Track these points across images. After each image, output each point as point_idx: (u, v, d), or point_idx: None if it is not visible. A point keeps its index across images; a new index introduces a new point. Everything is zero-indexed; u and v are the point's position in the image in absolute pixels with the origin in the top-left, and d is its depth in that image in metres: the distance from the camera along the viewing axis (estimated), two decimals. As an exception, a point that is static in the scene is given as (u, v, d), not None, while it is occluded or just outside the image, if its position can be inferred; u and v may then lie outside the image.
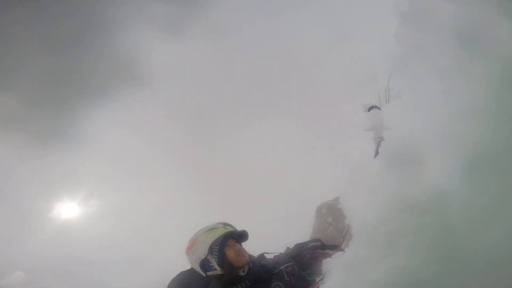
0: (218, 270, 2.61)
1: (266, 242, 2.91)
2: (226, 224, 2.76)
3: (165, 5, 5.69)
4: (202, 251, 2.63)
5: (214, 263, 2.62)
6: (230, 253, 2.62)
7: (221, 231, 2.66)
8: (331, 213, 3.07)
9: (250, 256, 2.74)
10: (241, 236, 2.76)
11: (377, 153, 1.95)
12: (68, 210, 5.86)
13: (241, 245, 2.74)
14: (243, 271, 2.62)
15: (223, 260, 2.60)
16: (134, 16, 5.50)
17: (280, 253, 2.84)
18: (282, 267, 2.63)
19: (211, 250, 2.61)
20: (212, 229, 2.69)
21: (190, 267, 2.74)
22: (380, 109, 2.07)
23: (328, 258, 2.02)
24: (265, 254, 2.82)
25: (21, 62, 4.83)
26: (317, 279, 2.35)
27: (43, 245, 5.11)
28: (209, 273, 2.64)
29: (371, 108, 2.42)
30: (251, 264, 2.69)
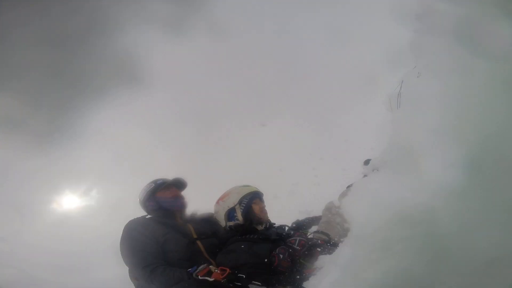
0: (240, 221, 2.96)
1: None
2: (255, 187, 3.12)
3: (166, 4, 5.68)
4: (233, 200, 3.02)
5: (239, 213, 2.97)
6: (255, 207, 2.98)
7: (252, 189, 3.07)
8: (340, 213, 3.16)
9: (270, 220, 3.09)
10: (261, 196, 3.12)
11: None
12: (68, 204, 5.91)
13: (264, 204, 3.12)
14: (262, 226, 2.96)
15: (247, 212, 2.96)
16: (134, 15, 5.50)
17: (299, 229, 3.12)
18: (297, 237, 2.84)
19: (240, 201, 3.01)
20: (246, 185, 3.10)
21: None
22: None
23: (326, 254, 2.24)
24: (284, 226, 3.11)
25: (21, 61, 4.83)
26: (312, 267, 2.43)
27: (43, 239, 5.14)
28: (229, 223, 3.00)
29: (367, 162, 2.60)
30: (268, 225, 3.01)
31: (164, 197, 3.10)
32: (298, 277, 2.52)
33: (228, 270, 2.48)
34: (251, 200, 2.99)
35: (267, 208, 3.11)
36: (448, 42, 1.39)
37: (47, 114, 5.42)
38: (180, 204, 3.13)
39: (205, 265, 2.63)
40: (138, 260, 2.80)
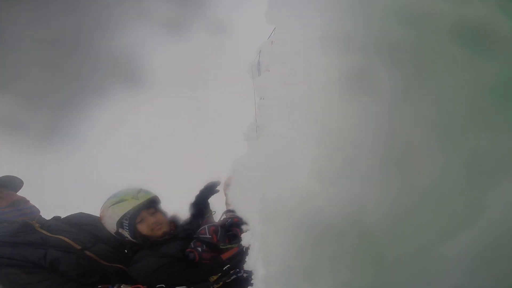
0: (136, 241, 2.47)
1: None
2: (139, 191, 2.51)
3: (166, 3, 5.68)
4: (111, 227, 2.47)
5: (128, 235, 2.45)
6: (142, 228, 2.43)
7: (129, 205, 2.41)
8: None
9: (174, 218, 2.59)
10: (153, 202, 2.54)
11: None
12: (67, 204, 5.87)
13: (160, 212, 2.55)
14: (164, 239, 2.44)
15: (135, 235, 2.44)
16: (134, 15, 5.51)
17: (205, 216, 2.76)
18: (206, 226, 2.54)
19: (120, 225, 2.43)
20: (119, 202, 2.44)
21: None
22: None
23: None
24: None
25: (19, 60, 4.85)
26: (234, 247, 2.28)
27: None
28: (127, 240, 2.49)
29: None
30: (173, 230, 2.54)
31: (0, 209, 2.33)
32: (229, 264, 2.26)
33: (141, 287, 2.15)
34: (133, 220, 2.41)
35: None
36: (448, 42, 1.38)
37: (46, 114, 5.42)
38: (29, 212, 2.46)
39: (116, 286, 2.24)
40: None
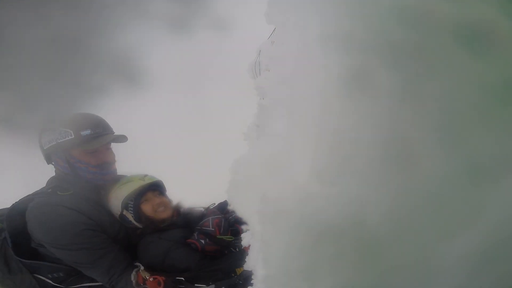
0: (138, 225, 2.46)
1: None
2: (145, 175, 2.55)
3: (167, 2, 5.67)
4: (116, 208, 2.45)
5: (131, 218, 2.45)
6: (147, 208, 2.45)
7: (134, 185, 2.44)
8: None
9: (178, 206, 2.58)
10: (159, 186, 2.55)
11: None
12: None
13: (165, 196, 2.56)
14: (166, 225, 2.43)
15: (139, 216, 2.44)
16: (134, 14, 5.49)
17: (209, 207, 2.68)
18: (210, 218, 2.47)
19: (125, 206, 2.42)
20: (126, 182, 2.46)
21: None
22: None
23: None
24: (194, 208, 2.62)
25: (18, 60, 4.83)
26: (232, 239, 2.31)
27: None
28: (131, 225, 2.47)
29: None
30: (175, 217, 2.52)
31: (86, 163, 2.34)
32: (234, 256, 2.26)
33: (161, 279, 2.12)
34: (138, 200, 2.43)
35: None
36: (448, 42, 1.38)
37: (45, 113, 5.41)
38: (107, 177, 2.43)
39: (136, 270, 2.21)
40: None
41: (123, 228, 2.45)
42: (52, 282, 2.30)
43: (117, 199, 2.46)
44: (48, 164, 2.49)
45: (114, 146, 2.60)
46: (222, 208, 2.75)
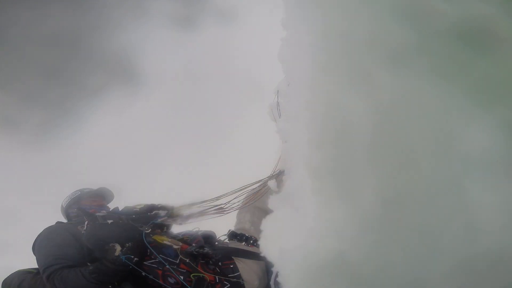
0: None
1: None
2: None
3: (167, 2, 5.66)
4: None
5: None
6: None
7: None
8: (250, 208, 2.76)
9: None
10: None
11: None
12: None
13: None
14: None
15: None
16: (133, 14, 5.49)
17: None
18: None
19: None
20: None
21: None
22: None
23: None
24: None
25: (17, 59, 4.84)
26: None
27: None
28: None
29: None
30: None
31: (89, 204, 3.02)
32: None
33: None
34: None
35: None
36: (448, 42, 1.38)
37: (45, 113, 5.41)
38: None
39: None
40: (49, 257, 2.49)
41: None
42: None
43: None
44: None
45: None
46: (206, 237, 2.86)
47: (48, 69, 5.12)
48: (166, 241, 2.44)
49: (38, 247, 2.63)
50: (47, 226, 2.77)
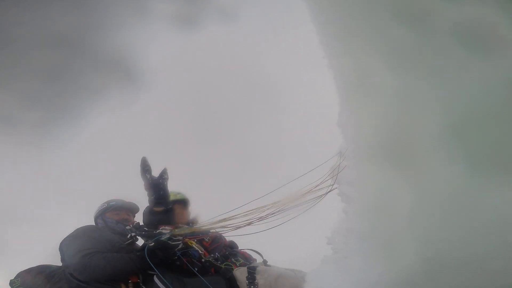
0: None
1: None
2: (178, 193, 3.50)
3: (167, 2, 5.65)
4: None
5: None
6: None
7: (177, 197, 3.40)
8: None
9: (193, 220, 3.39)
10: (184, 202, 3.47)
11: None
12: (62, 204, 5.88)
13: (186, 209, 3.47)
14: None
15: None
16: (134, 11, 5.48)
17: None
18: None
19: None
20: (175, 193, 3.42)
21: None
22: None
23: None
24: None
25: (17, 59, 4.83)
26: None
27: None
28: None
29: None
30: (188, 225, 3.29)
31: (111, 218, 3.37)
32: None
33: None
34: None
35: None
36: (448, 42, 1.38)
37: (44, 112, 5.40)
38: (123, 228, 3.32)
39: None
40: (82, 245, 2.84)
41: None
42: None
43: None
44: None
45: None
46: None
47: (48, 69, 5.11)
48: (194, 245, 3.04)
49: (72, 238, 2.98)
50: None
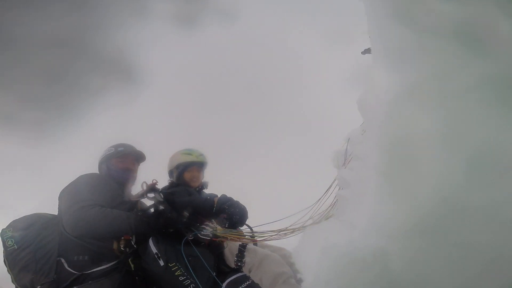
0: (174, 180, 3.55)
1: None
2: (201, 154, 3.63)
3: (167, 2, 5.65)
4: (171, 164, 3.61)
5: (175, 175, 3.55)
6: (187, 175, 3.52)
7: (191, 158, 3.55)
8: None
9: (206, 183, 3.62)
10: (204, 165, 3.63)
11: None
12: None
13: (202, 172, 3.62)
14: (196, 189, 3.49)
15: (179, 177, 3.53)
16: (134, 11, 5.48)
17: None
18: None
19: (177, 166, 3.55)
20: (188, 153, 3.61)
21: None
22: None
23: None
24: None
25: (17, 59, 4.83)
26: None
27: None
28: (169, 180, 3.60)
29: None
30: (197, 189, 3.51)
31: (116, 166, 3.21)
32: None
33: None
34: (186, 168, 3.52)
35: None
36: (448, 42, 1.38)
37: (45, 112, 5.40)
38: (126, 177, 3.21)
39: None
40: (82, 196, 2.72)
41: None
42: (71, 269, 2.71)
43: (175, 161, 3.57)
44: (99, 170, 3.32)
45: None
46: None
47: (48, 69, 5.11)
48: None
49: (73, 187, 2.93)
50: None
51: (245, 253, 2.91)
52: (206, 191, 3.66)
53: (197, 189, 3.55)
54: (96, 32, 5.27)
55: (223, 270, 2.91)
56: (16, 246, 2.72)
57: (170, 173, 3.63)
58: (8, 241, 2.76)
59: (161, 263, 2.68)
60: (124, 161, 3.26)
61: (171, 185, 3.54)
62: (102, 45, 5.41)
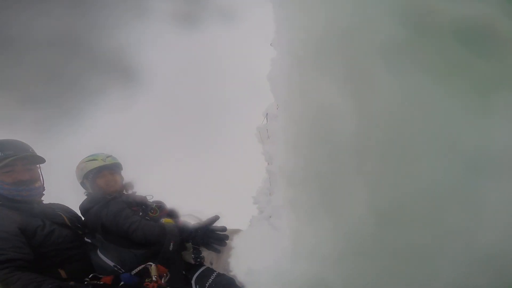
0: (91, 190, 3.21)
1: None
2: (108, 156, 3.27)
3: (167, 2, 5.65)
4: (79, 176, 3.23)
5: (89, 186, 3.20)
6: (100, 182, 3.16)
7: (97, 164, 3.19)
8: None
9: (127, 185, 3.31)
10: (116, 166, 3.29)
11: None
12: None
13: (118, 175, 3.30)
14: (111, 195, 3.11)
15: (93, 186, 3.17)
16: (134, 12, 5.47)
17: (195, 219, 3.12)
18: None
19: (86, 177, 3.19)
20: (93, 159, 3.23)
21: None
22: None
23: None
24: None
25: (18, 59, 4.84)
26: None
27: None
28: (85, 192, 3.24)
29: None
30: (124, 192, 3.25)
31: (2, 182, 2.39)
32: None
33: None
34: (96, 174, 3.16)
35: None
36: (448, 42, 1.38)
37: (45, 112, 5.41)
38: (27, 195, 2.46)
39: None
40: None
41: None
42: None
43: (81, 171, 3.21)
44: None
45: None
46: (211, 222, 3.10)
47: (48, 69, 5.12)
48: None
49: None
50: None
51: (200, 249, 2.86)
52: (135, 192, 3.32)
53: (116, 195, 3.15)
54: (96, 32, 5.28)
55: (186, 267, 2.91)
56: None
57: (83, 184, 3.22)
58: None
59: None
60: (12, 171, 2.41)
61: (92, 198, 3.11)
62: (102, 45, 5.42)
